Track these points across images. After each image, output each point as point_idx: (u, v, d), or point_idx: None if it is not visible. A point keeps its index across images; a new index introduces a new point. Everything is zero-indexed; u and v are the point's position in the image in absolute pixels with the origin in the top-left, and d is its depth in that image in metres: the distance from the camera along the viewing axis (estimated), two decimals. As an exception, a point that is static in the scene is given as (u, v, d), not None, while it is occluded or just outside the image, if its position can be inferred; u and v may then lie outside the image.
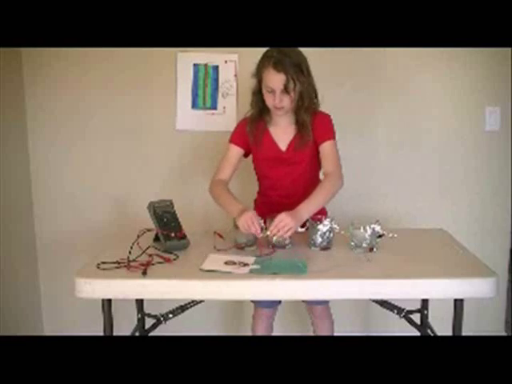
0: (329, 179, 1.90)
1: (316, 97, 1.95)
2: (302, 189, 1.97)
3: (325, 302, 2.13)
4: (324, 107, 2.00)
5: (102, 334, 1.66)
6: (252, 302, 2.17)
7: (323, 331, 2.18)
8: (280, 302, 2.18)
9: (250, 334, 2.23)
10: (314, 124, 1.96)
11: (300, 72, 1.84)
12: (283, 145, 2.00)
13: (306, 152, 1.98)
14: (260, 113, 1.99)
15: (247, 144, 2.02)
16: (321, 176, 2.07)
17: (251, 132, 1.99)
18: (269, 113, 1.99)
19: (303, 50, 1.90)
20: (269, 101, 1.91)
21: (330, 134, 1.97)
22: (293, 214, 1.73)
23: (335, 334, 2.20)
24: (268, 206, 2.00)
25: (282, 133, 2.00)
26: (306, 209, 1.78)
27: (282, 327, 2.53)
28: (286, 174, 2.00)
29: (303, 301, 2.14)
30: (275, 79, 1.83)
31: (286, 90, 1.84)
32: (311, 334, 2.24)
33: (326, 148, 1.95)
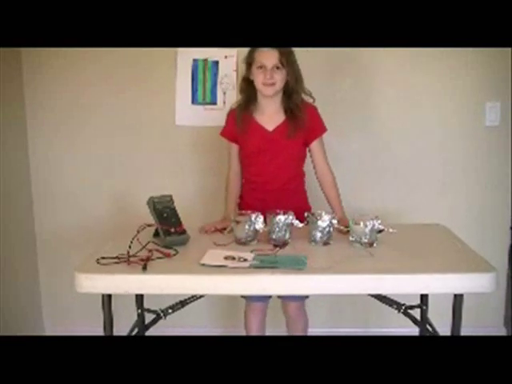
0: (334, 180, 2.08)
1: (302, 84, 2.00)
2: (285, 177, 2.04)
3: (300, 299, 2.11)
4: (324, 106, 2.00)
5: (102, 329, 1.66)
6: (242, 297, 2.14)
7: (297, 333, 2.16)
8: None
9: (248, 328, 2.23)
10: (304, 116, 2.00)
11: (290, 53, 1.94)
12: (270, 127, 2.03)
13: (293, 141, 2.01)
14: (248, 100, 2.03)
15: (236, 135, 2.07)
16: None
17: (240, 119, 2.04)
18: (255, 102, 2.02)
19: (303, 49, 1.94)
20: (259, 78, 1.95)
21: (324, 127, 2.06)
22: (343, 219, 1.92)
23: (334, 329, 2.19)
24: (253, 193, 2.07)
25: (269, 119, 2.04)
26: (342, 210, 2.06)
27: (274, 322, 2.50)
28: (270, 159, 2.03)
29: (279, 297, 2.10)
30: (267, 55, 1.91)
31: (277, 66, 1.91)
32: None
33: (320, 142, 2.06)
